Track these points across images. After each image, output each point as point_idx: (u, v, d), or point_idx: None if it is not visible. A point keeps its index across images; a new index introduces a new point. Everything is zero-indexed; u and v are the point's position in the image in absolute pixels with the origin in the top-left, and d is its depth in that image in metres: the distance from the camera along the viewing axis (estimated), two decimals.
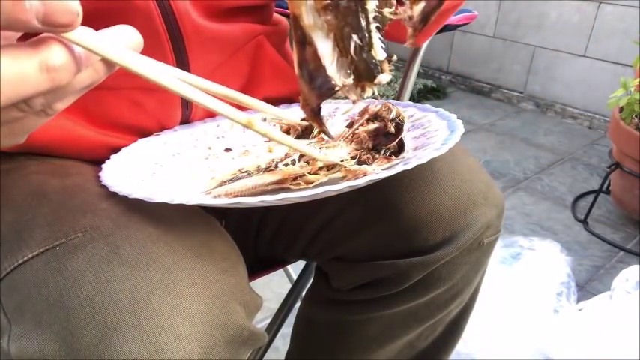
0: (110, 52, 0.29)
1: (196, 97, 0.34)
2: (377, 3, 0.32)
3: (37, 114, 0.28)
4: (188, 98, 0.34)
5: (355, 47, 0.32)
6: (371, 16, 0.32)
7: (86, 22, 0.48)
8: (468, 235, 0.54)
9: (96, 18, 0.47)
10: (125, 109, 0.54)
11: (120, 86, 0.52)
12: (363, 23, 0.32)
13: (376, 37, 0.33)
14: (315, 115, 0.34)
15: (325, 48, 0.31)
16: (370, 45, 0.33)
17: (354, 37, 0.31)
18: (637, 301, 1.10)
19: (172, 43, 0.52)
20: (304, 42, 0.31)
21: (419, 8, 0.34)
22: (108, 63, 0.29)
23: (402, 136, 0.49)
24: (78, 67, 0.27)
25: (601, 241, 1.57)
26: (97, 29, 0.48)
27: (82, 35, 0.27)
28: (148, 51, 0.50)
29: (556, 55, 2.46)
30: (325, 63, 0.32)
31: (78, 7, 0.25)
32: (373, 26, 0.32)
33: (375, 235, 0.56)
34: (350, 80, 0.33)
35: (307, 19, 0.31)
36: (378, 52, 0.33)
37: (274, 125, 0.62)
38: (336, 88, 0.33)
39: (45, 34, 0.26)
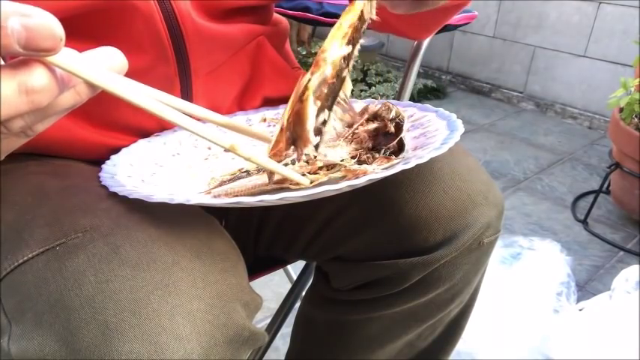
0: (92, 75, 0.28)
1: (180, 121, 0.35)
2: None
3: (16, 135, 0.28)
4: (172, 122, 0.34)
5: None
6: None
7: (88, 21, 0.48)
8: (468, 235, 0.54)
9: (97, 18, 0.47)
10: (125, 109, 0.54)
11: None
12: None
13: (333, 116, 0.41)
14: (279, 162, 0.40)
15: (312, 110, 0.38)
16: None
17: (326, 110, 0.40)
18: (637, 301, 1.10)
19: (173, 44, 0.52)
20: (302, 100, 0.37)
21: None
22: (91, 85, 0.29)
23: (401, 135, 0.49)
24: (59, 89, 0.26)
25: (601, 241, 1.57)
26: (98, 29, 0.48)
27: (64, 57, 0.27)
28: (149, 51, 0.51)
29: (556, 55, 2.46)
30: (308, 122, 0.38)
31: (61, 32, 0.25)
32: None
33: (374, 235, 0.56)
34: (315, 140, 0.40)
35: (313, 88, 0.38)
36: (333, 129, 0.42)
37: (274, 125, 0.62)
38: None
39: None
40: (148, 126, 0.56)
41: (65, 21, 0.39)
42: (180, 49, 0.52)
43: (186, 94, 0.56)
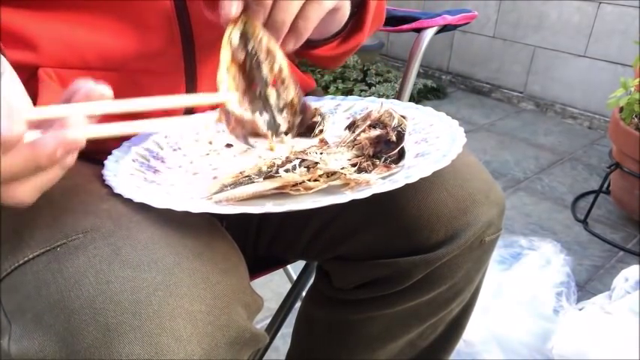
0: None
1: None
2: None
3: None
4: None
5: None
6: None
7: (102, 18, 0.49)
8: (470, 233, 0.54)
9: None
10: (129, 93, 0.54)
11: (125, 68, 0.52)
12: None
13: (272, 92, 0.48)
14: (245, 139, 0.47)
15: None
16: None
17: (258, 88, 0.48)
18: (637, 301, 1.10)
19: (180, 26, 0.53)
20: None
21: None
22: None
23: (402, 144, 0.49)
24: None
25: (601, 241, 1.57)
26: (111, 5, 0.50)
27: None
28: (157, 32, 0.52)
29: (556, 55, 2.46)
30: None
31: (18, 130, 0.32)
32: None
33: (376, 233, 0.56)
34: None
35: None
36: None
37: None
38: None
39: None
40: (154, 114, 0.56)
41: None
42: (187, 32, 0.53)
43: (191, 80, 0.57)
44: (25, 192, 0.35)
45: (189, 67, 0.55)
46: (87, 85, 0.37)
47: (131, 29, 0.51)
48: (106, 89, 0.37)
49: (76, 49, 0.49)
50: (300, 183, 0.45)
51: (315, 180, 0.45)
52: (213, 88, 0.60)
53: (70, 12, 0.49)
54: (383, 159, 0.48)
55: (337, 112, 0.62)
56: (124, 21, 0.50)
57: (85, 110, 0.36)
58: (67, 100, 0.37)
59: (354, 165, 0.48)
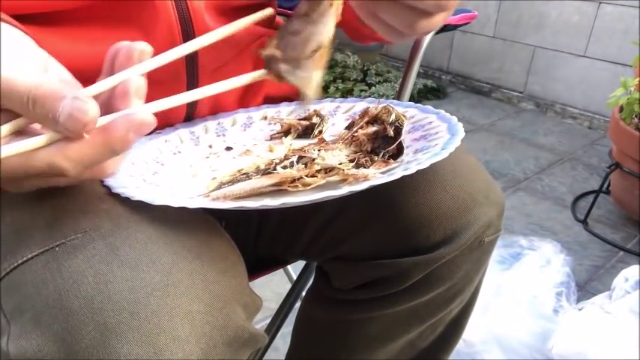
0: None
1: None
2: None
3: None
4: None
5: None
6: None
7: (106, 8, 0.50)
8: (469, 233, 0.54)
9: (115, 6, 0.49)
10: None
11: None
12: None
13: None
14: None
15: None
16: None
17: None
18: (637, 301, 1.10)
19: (184, 38, 0.53)
20: None
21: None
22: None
23: (400, 139, 0.49)
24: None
25: (601, 241, 1.57)
26: (116, 16, 0.50)
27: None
28: (160, 42, 0.51)
29: (556, 55, 2.46)
30: None
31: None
32: None
33: (376, 234, 0.56)
34: None
35: None
36: None
37: (275, 124, 0.62)
38: None
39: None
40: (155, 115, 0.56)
41: (85, 9, 0.48)
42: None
43: (193, 89, 0.56)
44: (110, 168, 0.37)
45: (191, 76, 0.55)
46: (125, 45, 0.36)
47: (132, 40, 0.51)
48: (145, 45, 0.37)
49: (76, 62, 0.49)
50: (298, 179, 0.45)
51: (313, 176, 0.45)
52: (212, 101, 0.60)
53: (72, 26, 0.49)
54: (381, 154, 0.48)
55: (337, 113, 0.62)
56: (125, 32, 0.50)
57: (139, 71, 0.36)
58: (110, 66, 0.37)
59: (352, 161, 0.48)
